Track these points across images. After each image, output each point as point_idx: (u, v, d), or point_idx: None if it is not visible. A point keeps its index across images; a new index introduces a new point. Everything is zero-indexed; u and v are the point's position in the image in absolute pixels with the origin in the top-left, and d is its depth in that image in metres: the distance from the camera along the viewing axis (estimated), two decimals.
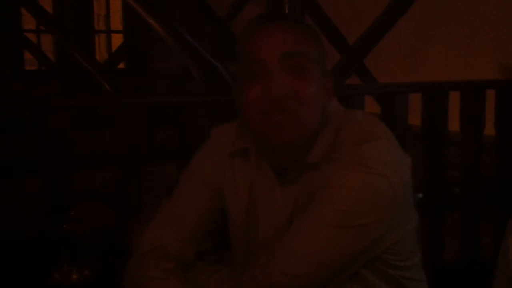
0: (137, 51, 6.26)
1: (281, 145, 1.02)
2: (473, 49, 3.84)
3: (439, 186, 2.18)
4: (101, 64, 5.36)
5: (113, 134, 1.71)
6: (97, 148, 3.26)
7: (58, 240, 1.29)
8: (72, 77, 5.78)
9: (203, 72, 1.96)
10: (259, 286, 0.97)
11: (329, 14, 4.26)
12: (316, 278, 0.96)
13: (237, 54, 1.06)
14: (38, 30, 6.70)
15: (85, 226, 1.35)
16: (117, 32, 7.25)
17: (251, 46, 1.02)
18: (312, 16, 4.27)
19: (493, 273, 1.07)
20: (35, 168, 1.61)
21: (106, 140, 1.91)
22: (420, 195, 2.12)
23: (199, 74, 1.97)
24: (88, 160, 3.34)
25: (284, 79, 0.99)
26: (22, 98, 2.07)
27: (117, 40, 7.11)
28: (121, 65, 6.46)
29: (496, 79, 2.87)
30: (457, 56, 3.95)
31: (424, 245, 2.14)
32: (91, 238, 1.40)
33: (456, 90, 2.20)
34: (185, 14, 5.18)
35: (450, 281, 2.17)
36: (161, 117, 4.95)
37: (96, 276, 1.08)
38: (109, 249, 1.48)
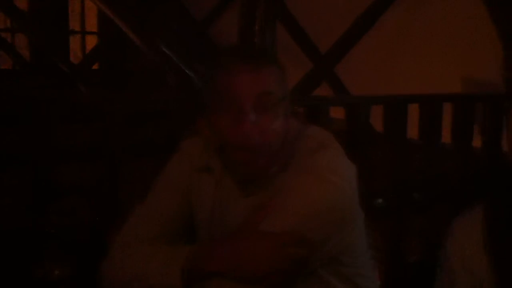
0: (111, 52, 6.27)
1: (250, 175, 1.13)
2: (439, 63, 4.00)
3: (400, 190, 2.32)
4: (75, 65, 5.36)
5: (96, 129, 1.73)
6: (79, 143, 3.25)
7: (39, 235, 1.31)
8: (46, 77, 5.76)
9: (178, 79, 2.04)
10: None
11: (302, 24, 4.39)
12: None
13: (212, 84, 1.15)
14: (12, 29, 6.65)
15: (66, 221, 1.38)
16: (92, 33, 7.23)
17: (227, 85, 1.11)
18: (285, 25, 4.39)
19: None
20: (16, 161, 1.61)
21: (88, 134, 1.90)
22: (380, 200, 2.25)
23: (174, 81, 2.04)
24: (70, 155, 3.31)
25: (255, 116, 1.09)
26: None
27: (92, 41, 7.10)
28: (95, 66, 6.45)
29: (452, 93, 3.05)
30: (423, 69, 4.11)
31: (388, 248, 2.26)
32: (72, 234, 1.43)
33: (415, 103, 2.36)
34: (162, 18, 5.23)
35: (413, 281, 2.30)
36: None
37: (77, 273, 1.12)
38: (91, 245, 1.50)
